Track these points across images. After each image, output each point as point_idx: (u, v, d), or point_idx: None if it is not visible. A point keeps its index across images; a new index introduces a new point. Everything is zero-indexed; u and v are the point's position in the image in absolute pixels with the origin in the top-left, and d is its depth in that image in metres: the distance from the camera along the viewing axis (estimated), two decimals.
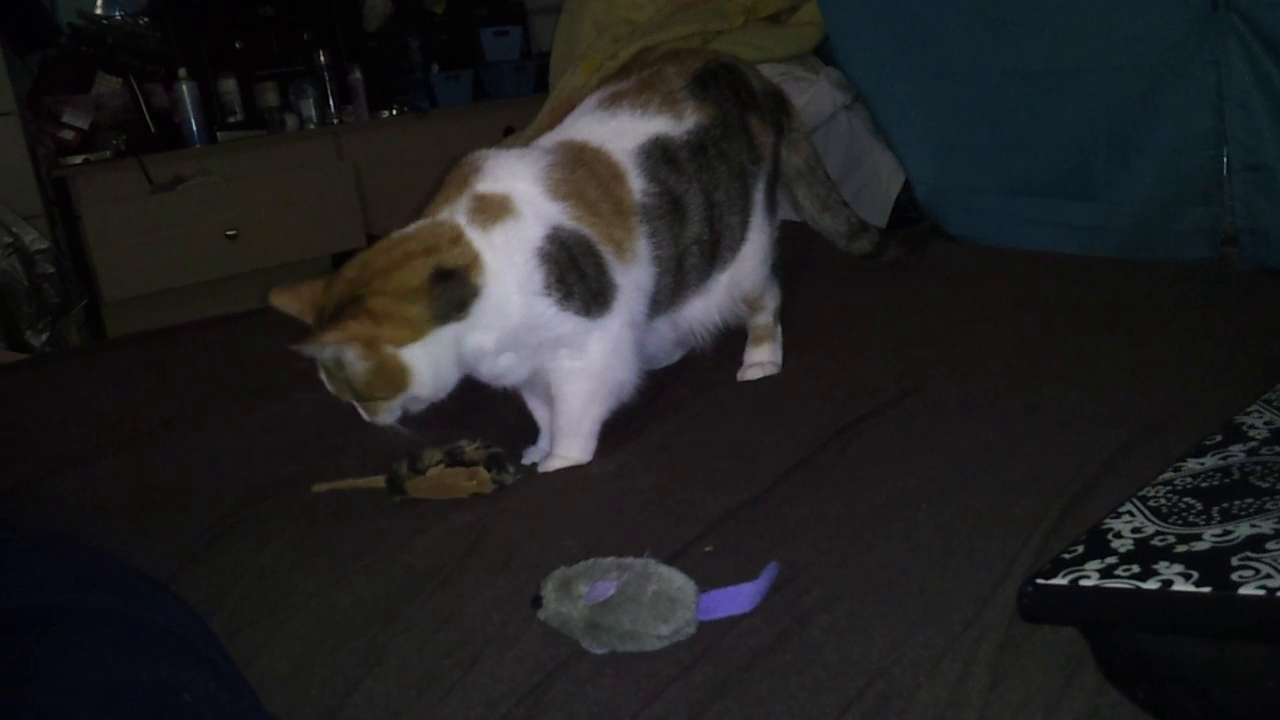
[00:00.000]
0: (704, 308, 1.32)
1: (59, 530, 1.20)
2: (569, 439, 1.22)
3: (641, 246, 1.19)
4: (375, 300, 1.07)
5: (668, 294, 1.25)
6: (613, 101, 1.25)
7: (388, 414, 1.12)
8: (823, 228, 1.58)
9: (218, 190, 3.57)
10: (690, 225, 1.24)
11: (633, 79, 1.29)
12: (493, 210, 1.11)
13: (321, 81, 3.89)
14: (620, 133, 1.22)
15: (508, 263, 1.10)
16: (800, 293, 1.73)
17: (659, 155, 1.22)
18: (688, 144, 1.24)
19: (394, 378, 1.08)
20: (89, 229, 3.36)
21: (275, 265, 3.49)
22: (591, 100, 1.28)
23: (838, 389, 1.33)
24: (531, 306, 1.11)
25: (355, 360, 1.07)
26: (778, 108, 1.40)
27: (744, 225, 1.31)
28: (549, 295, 1.12)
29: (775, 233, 1.38)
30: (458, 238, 1.09)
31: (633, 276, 1.19)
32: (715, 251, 1.28)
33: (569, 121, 1.27)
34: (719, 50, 1.56)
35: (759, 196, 1.33)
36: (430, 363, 1.09)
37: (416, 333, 1.07)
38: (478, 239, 1.10)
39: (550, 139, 1.24)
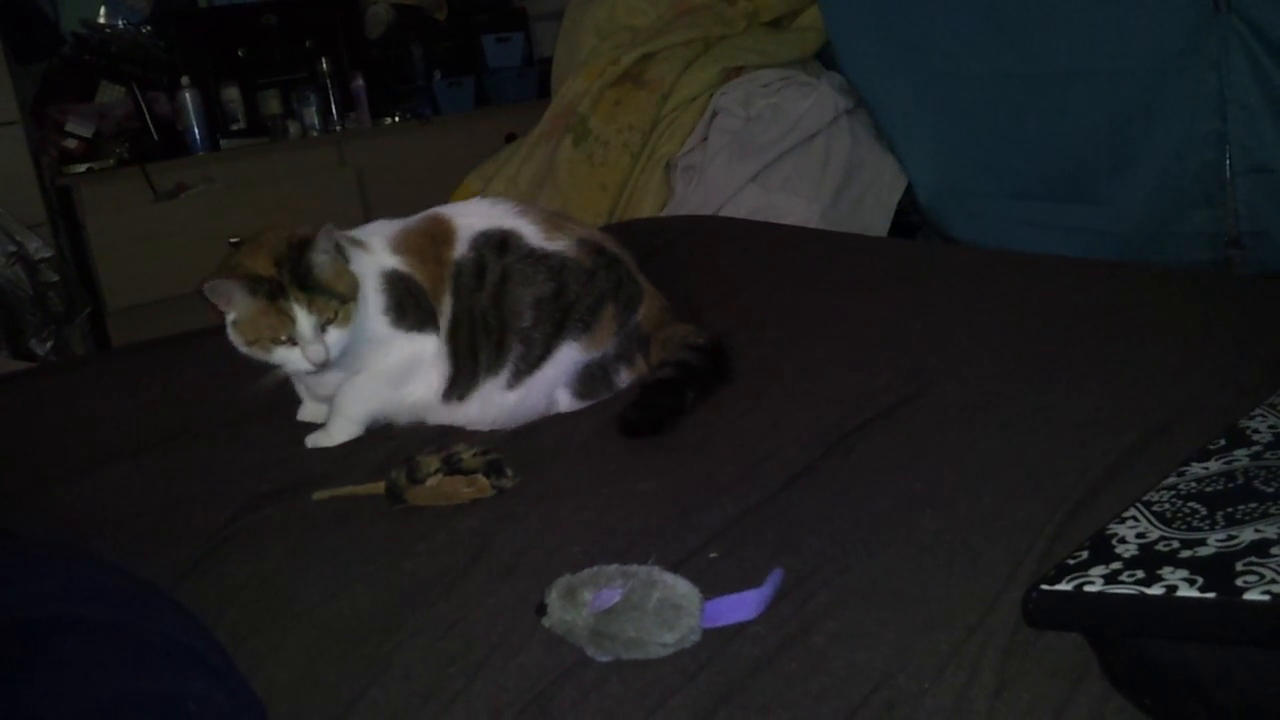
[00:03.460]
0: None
1: (63, 540, 1.20)
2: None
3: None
4: None
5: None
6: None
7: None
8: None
9: (221, 198, 3.58)
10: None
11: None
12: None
13: (324, 89, 3.90)
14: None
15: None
16: (803, 297, 1.73)
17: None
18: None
19: None
20: (93, 237, 3.37)
21: None
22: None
23: (841, 393, 1.32)
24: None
25: None
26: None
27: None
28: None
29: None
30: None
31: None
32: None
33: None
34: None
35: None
36: None
37: None
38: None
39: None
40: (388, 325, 1.36)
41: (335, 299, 1.30)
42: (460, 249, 1.39)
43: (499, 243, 1.40)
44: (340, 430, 1.40)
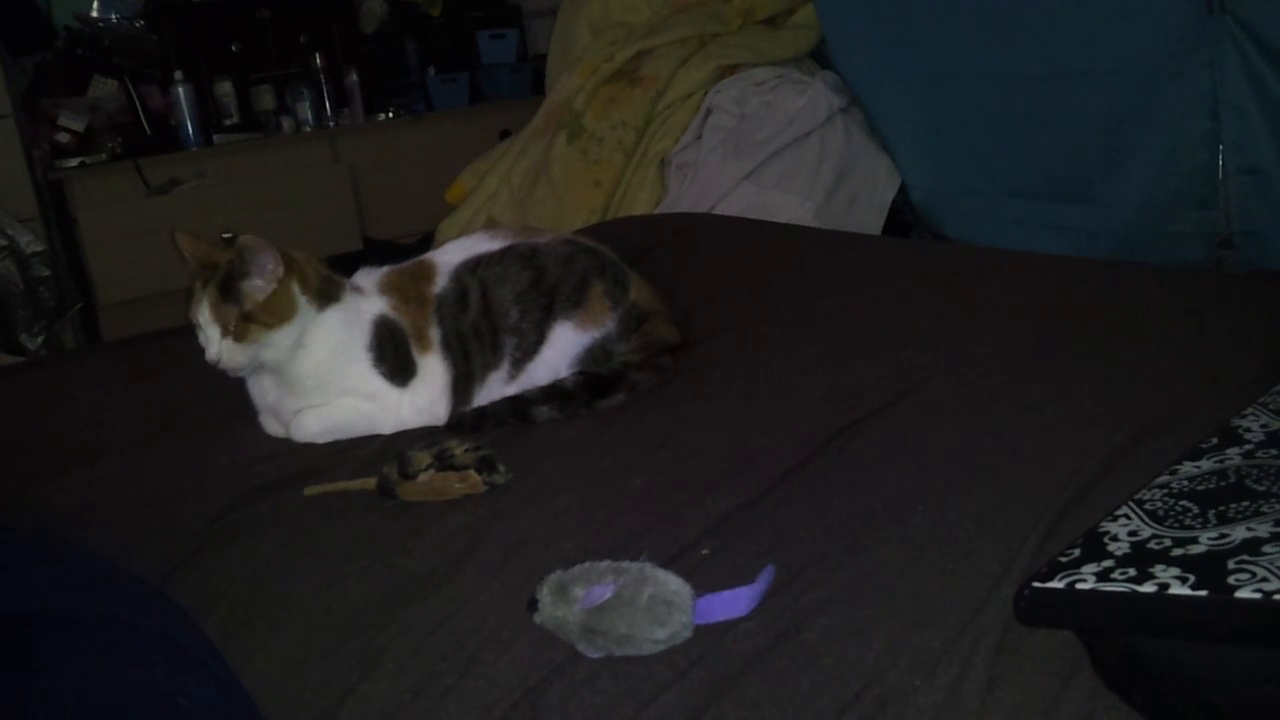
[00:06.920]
0: None
1: (53, 534, 1.20)
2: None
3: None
4: None
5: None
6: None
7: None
8: None
9: (214, 193, 3.57)
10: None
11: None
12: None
13: (318, 84, 3.89)
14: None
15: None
16: (797, 295, 1.73)
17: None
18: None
19: None
20: (85, 232, 3.36)
21: None
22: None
23: (835, 390, 1.32)
24: None
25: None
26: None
27: None
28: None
29: None
30: None
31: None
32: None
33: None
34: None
35: None
36: None
37: None
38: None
39: None
40: (368, 365, 1.37)
41: (242, 317, 1.29)
42: (440, 283, 1.43)
43: (473, 267, 1.43)
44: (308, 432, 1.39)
